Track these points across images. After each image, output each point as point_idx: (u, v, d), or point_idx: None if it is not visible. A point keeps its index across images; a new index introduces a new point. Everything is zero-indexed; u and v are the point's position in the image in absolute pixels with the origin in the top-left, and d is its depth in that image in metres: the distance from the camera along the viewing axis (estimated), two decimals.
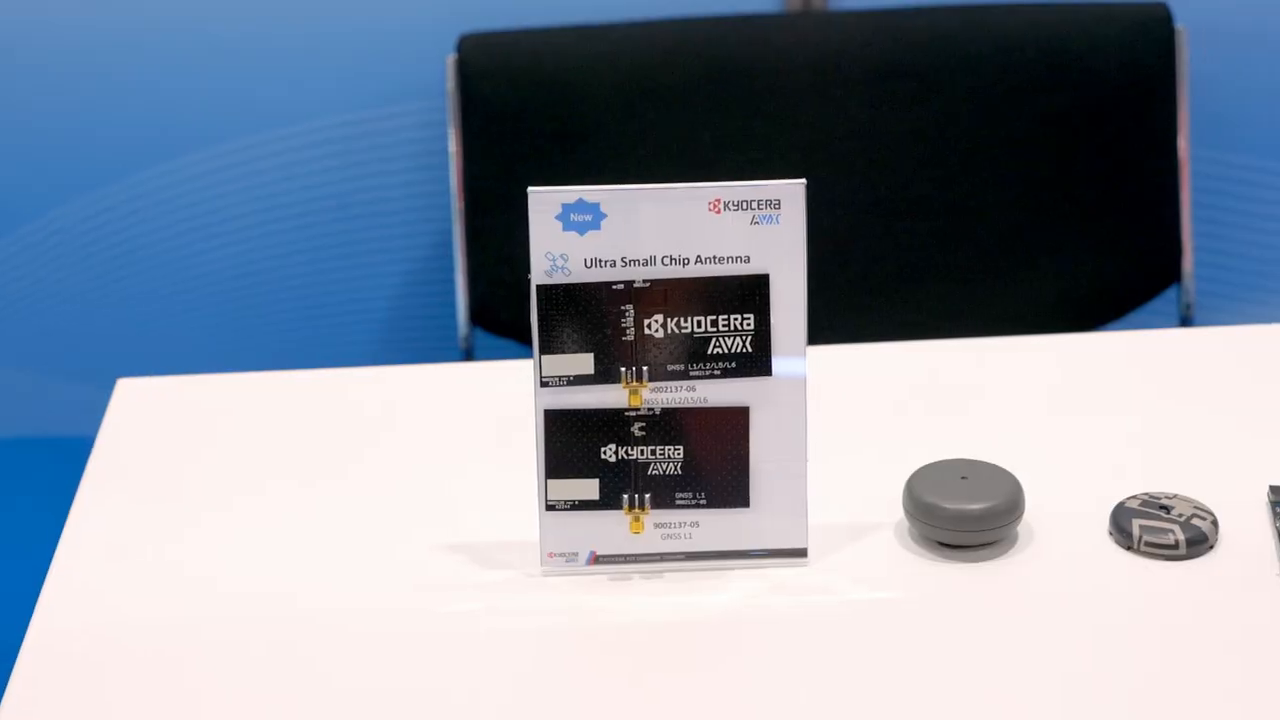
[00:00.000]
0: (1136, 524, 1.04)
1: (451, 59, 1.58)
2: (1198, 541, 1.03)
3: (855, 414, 1.18)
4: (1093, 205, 1.62)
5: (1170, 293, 1.66)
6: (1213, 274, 1.75)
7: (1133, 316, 1.65)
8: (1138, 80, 1.60)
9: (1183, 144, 1.61)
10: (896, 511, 1.06)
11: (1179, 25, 1.59)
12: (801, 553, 1.03)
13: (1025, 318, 1.61)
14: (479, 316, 1.62)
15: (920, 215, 1.61)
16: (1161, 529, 1.04)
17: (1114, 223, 1.63)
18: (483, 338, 1.64)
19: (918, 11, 1.61)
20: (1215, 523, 1.05)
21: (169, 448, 1.16)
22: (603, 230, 0.99)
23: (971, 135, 1.60)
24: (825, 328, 1.54)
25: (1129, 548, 1.04)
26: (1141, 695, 0.94)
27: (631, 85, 1.58)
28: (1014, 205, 1.61)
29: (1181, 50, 1.59)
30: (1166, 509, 1.05)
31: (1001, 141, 1.60)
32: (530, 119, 1.58)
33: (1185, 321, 1.65)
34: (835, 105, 1.60)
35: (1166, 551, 1.03)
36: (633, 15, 1.61)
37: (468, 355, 1.63)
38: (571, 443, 1.01)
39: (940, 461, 1.07)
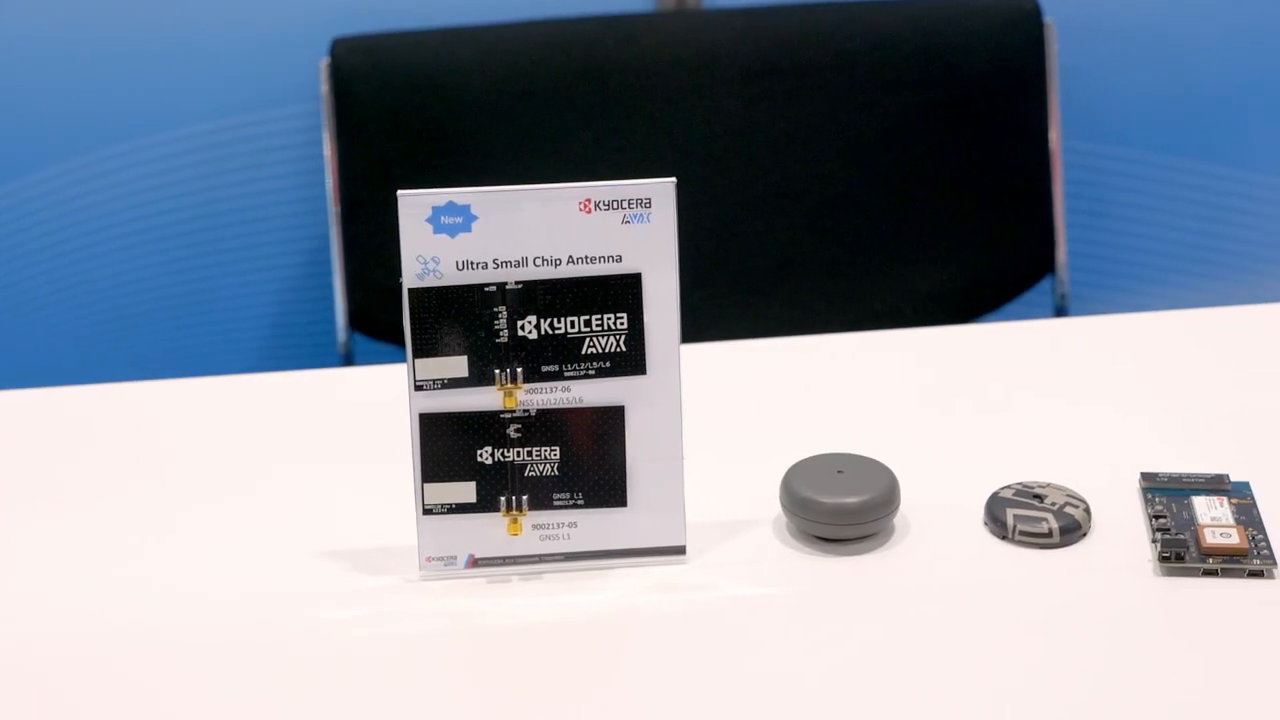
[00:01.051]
0: (1010, 513, 1.05)
1: (324, 63, 1.57)
2: (1071, 529, 1.05)
3: (732, 411, 1.18)
4: (967, 199, 1.64)
5: (1045, 284, 1.68)
6: (1087, 264, 1.78)
7: (1009, 308, 1.67)
8: (1008, 74, 1.62)
9: (1054, 136, 1.63)
10: (774, 507, 1.07)
11: (1048, 19, 1.61)
12: (680, 550, 1.03)
13: (903, 311, 1.62)
14: (358, 321, 1.61)
15: (797, 211, 1.62)
16: (1035, 518, 1.05)
17: (988, 215, 1.64)
18: (363, 342, 1.64)
19: (791, 9, 1.62)
20: (1088, 510, 1.06)
21: (41, 460, 1.15)
22: (474, 232, 0.98)
23: (846, 131, 1.61)
24: (706, 325, 1.55)
25: (1004, 537, 1.05)
26: (1018, 681, 0.94)
27: (507, 86, 1.58)
28: (890, 200, 1.63)
29: (1051, 44, 1.61)
30: (1040, 498, 1.06)
31: (876, 137, 1.62)
32: (406, 122, 1.58)
33: (1060, 311, 1.67)
34: (711, 103, 1.60)
35: (1040, 540, 1.04)
36: (506, 17, 1.61)
37: (347, 360, 1.62)
38: (447, 446, 1.00)
39: (816, 456, 1.07)
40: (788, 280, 1.63)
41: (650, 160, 1.60)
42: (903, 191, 1.63)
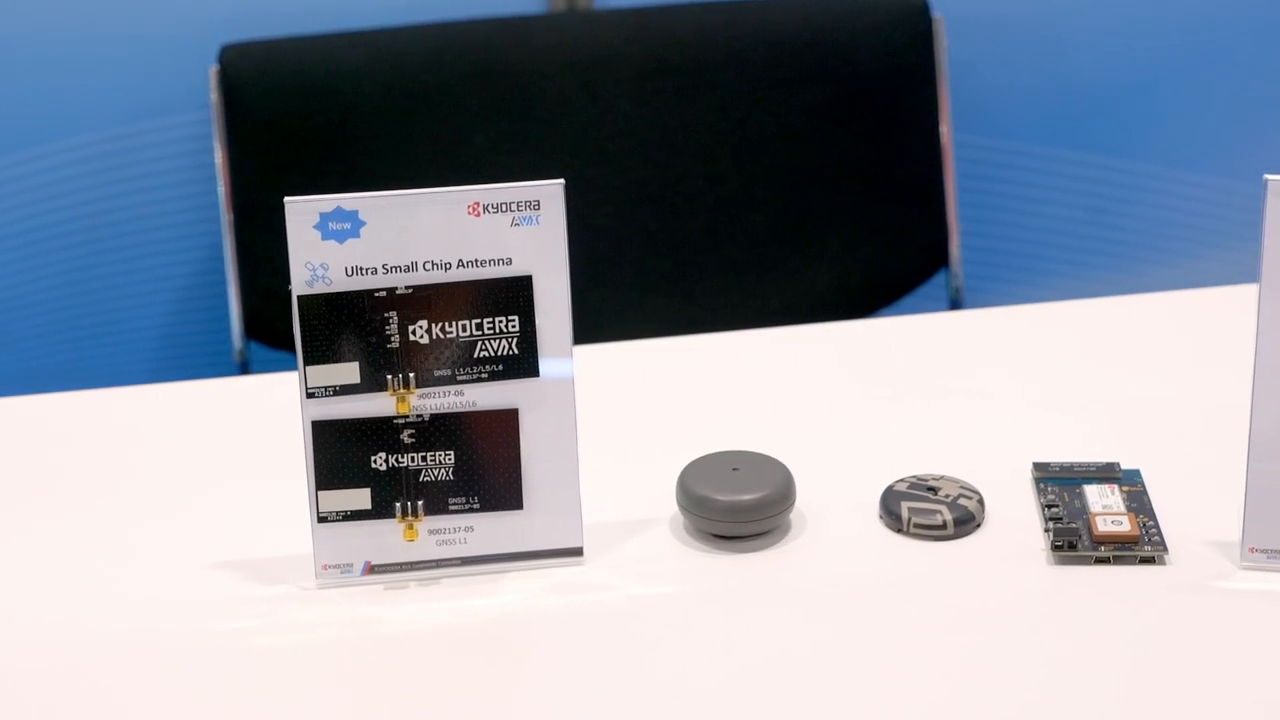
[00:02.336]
0: (905, 506, 1.06)
1: (214, 70, 1.56)
2: (965, 521, 1.05)
3: (628, 411, 1.19)
4: (861, 194, 1.64)
5: (940, 277, 1.69)
6: (980, 257, 1.79)
7: (905, 302, 1.68)
8: (899, 69, 1.63)
9: (945, 130, 1.64)
10: (670, 506, 1.07)
11: (936, 14, 1.62)
12: (577, 552, 1.03)
13: (800, 307, 1.63)
14: (253, 329, 1.60)
15: (693, 210, 1.62)
16: (929, 510, 1.05)
17: (883, 210, 1.65)
18: (259, 350, 1.63)
19: (682, 8, 1.63)
20: (981, 501, 1.07)
21: None
22: (362, 238, 0.98)
23: (740, 129, 1.62)
24: (603, 325, 1.55)
25: (899, 530, 1.06)
26: (915, 672, 0.95)
27: (399, 90, 1.58)
28: (785, 197, 1.63)
29: (939, 39, 1.63)
30: (934, 490, 1.07)
31: (770, 135, 1.62)
32: (297, 128, 1.57)
33: (955, 305, 1.68)
34: (604, 103, 1.60)
35: (935, 532, 1.05)
36: (396, 20, 1.60)
37: (244, 369, 1.61)
38: (341, 453, 1.00)
39: (712, 454, 1.07)
40: (684, 279, 1.63)
41: (544, 161, 1.59)
42: (797, 189, 1.63)
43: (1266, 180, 0.97)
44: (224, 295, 1.61)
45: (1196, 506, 1.06)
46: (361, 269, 0.98)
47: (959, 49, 1.68)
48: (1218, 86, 1.78)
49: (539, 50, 1.60)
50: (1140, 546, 1.03)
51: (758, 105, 1.61)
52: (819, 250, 1.64)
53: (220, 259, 1.62)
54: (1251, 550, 1.01)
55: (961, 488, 1.07)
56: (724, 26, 1.61)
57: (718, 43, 1.61)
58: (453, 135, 1.59)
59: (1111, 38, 1.76)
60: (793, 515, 1.07)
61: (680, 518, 1.06)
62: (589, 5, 1.69)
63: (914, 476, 1.08)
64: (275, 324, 1.59)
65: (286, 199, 0.97)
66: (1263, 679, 0.94)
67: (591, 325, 1.53)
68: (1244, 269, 1.00)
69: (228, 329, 1.62)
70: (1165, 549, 1.03)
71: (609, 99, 1.60)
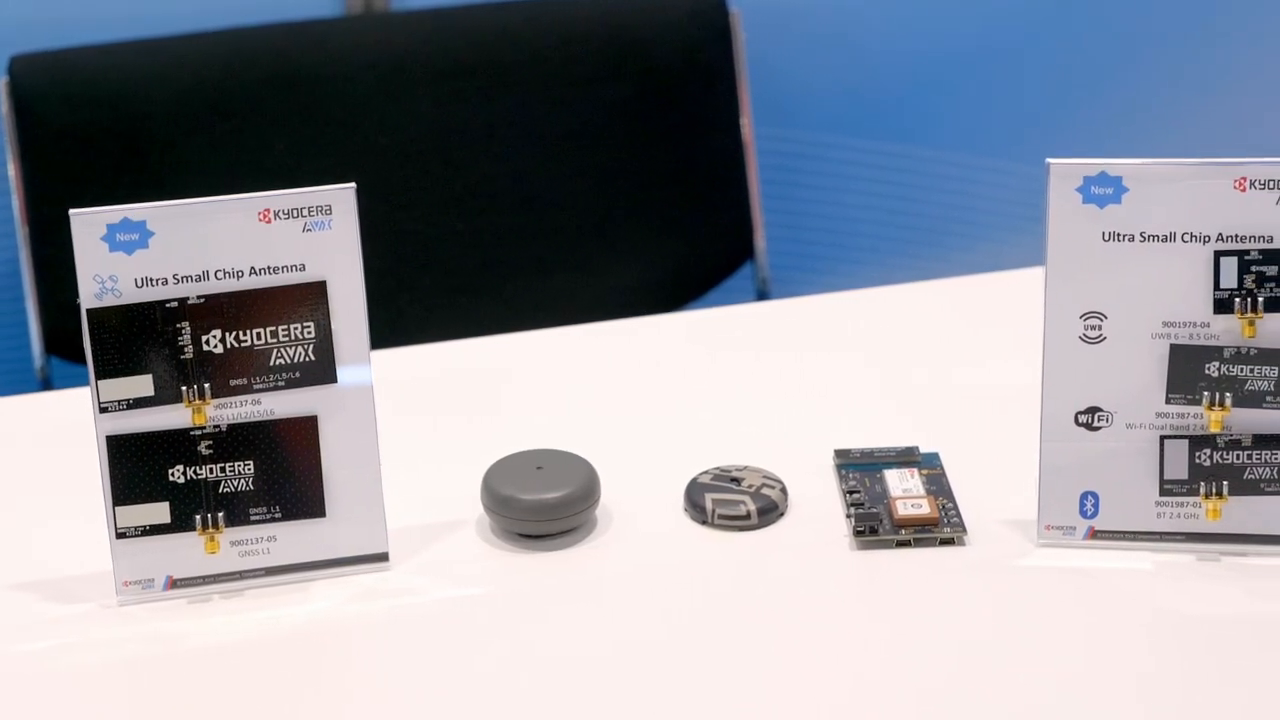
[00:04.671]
0: (709, 498, 1.06)
1: (2, 81, 1.53)
2: (768, 510, 1.06)
3: (434, 413, 1.18)
4: (666, 189, 1.65)
5: (747, 270, 1.70)
6: (785, 248, 1.80)
7: (713, 294, 1.69)
8: (698, 65, 1.64)
9: (746, 124, 1.65)
10: (476, 507, 1.07)
11: (733, 10, 1.63)
12: (383, 557, 1.03)
13: (609, 304, 1.63)
14: (54, 344, 1.57)
15: (497, 210, 1.62)
16: (733, 501, 1.06)
17: (687, 206, 1.66)
18: (61, 366, 1.60)
19: (480, 9, 1.62)
20: (784, 490, 1.08)
21: None
22: (151, 248, 0.97)
23: (541, 128, 1.62)
24: (413, 328, 1.54)
25: (704, 522, 1.06)
26: (723, 661, 0.96)
27: (195, 98, 1.55)
28: (589, 195, 1.64)
29: (738, 33, 1.64)
30: (737, 481, 1.08)
31: (573, 133, 1.62)
32: (93, 139, 1.54)
33: (762, 296, 1.70)
34: (404, 105, 1.59)
35: (739, 522, 1.06)
36: (190, 27, 1.58)
37: (46, 385, 1.58)
38: (137, 467, 0.99)
39: (517, 454, 1.08)
40: (493, 279, 1.63)
41: (346, 166, 1.58)
42: (601, 186, 1.64)
43: (1049, 164, 0.99)
44: (23, 311, 1.58)
45: (994, 487, 1.08)
46: (152, 280, 0.97)
47: (757, 43, 1.69)
48: (1007, 73, 1.81)
49: (336, 54, 1.58)
50: (940, 528, 1.04)
51: (559, 104, 1.61)
52: (626, 246, 1.65)
53: (18, 274, 1.59)
54: (1047, 528, 1.03)
55: (765, 477, 1.08)
56: (522, 26, 1.61)
57: (517, 42, 1.61)
58: (252, 142, 1.57)
59: (905, 29, 1.78)
60: (598, 512, 1.07)
61: (486, 519, 1.06)
62: (386, 7, 1.68)
63: (718, 468, 1.09)
64: (76, 338, 1.56)
65: (72, 211, 0.96)
66: (1061, 652, 0.96)
67: (402, 330, 1.53)
68: (1039, 251, 1.03)
69: (28, 345, 1.59)
70: (964, 530, 1.04)
71: (409, 101, 1.59)
